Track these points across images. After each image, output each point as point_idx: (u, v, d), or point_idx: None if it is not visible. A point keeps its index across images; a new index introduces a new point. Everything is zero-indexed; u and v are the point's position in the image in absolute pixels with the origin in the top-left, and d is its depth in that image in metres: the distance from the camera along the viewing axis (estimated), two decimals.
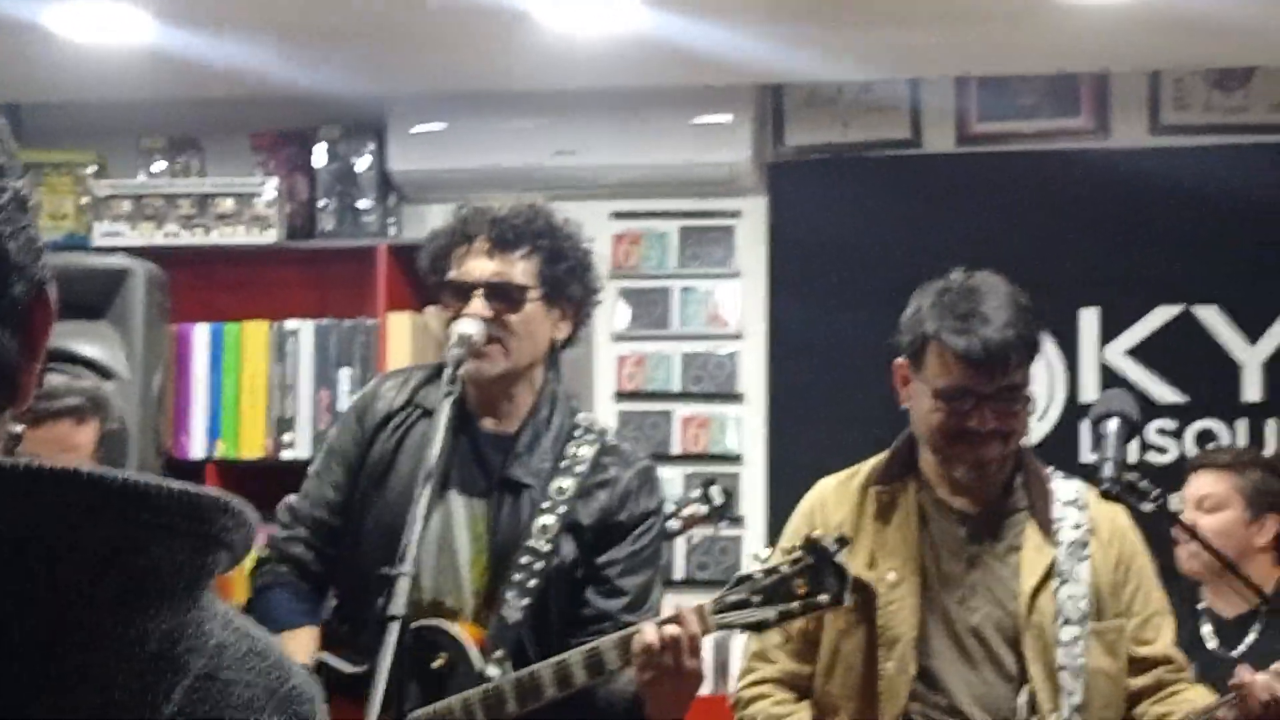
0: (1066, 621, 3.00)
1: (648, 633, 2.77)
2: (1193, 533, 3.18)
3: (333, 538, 3.17)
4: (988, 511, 3.10)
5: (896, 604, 3.03)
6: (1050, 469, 3.19)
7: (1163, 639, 3.13)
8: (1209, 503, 4.14)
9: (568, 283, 3.12)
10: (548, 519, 3.05)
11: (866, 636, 3.05)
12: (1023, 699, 2.41)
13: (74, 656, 0.98)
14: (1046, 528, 3.08)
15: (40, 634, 0.97)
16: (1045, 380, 5.06)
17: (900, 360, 3.13)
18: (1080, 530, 3.08)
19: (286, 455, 5.00)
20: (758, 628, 2.79)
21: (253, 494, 4.14)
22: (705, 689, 4.90)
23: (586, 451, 3.12)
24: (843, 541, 2.76)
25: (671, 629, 2.76)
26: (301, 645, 3.05)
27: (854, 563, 3.07)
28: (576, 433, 3.14)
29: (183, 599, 1.05)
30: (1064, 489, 3.14)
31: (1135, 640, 3.09)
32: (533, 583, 3.00)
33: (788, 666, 3.14)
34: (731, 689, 4.80)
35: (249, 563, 3.36)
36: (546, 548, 3.02)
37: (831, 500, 3.18)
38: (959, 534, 3.09)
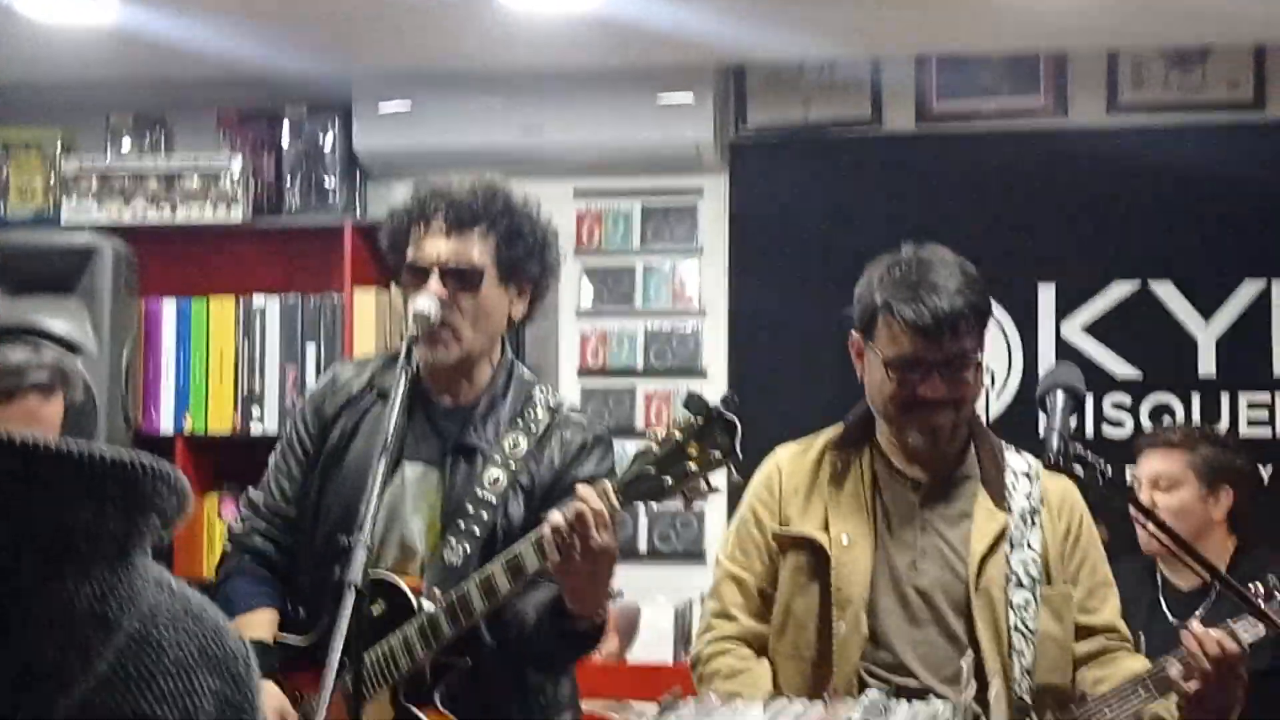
0: (1019, 585, 3.06)
1: (554, 516, 2.80)
2: (1149, 513, 3.23)
3: (290, 529, 3.21)
4: (940, 478, 3.15)
5: (849, 566, 3.08)
6: (1002, 443, 3.23)
7: (1107, 608, 3.19)
8: (1164, 482, 4.20)
9: (525, 262, 3.13)
10: (498, 472, 3.08)
11: (819, 597, 3.10)
12: (966, 662, 2.46)
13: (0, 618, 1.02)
14: (999, 495, 3.13)
15: None
16: (1003, 355, 5.13)
17: (854, 333, 3.18)
18: (1032, 499, 3.14)
19: (255, 430, 5.04)
20: (657, 495, 2.77)
21: (221, 468, 4.22)
22: (667, 658, 4.99)
23: (542, 414, 3.14)
24: (729, 401, 2.77)
25: (576, 506, 2.78)
26: (259, 623, 3.09)
27: (808, 525, 3.14)
28: (535, 396, 3.17)
29: (114, 561, 1.09)
30: (1017, 461, 3.19)
31: (1081, 609, 3.15)
32: (476, 530, 3.03)
33: (747, 625, 3.18)
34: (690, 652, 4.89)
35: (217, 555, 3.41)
36: (494, 500, 3.05)
37: (787, 466, 3.24)
38: (911, 500, 3.14)
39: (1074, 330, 5.12)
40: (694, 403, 2.78)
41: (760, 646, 3.18)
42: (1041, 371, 5.00)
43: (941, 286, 3.03)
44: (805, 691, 2.96)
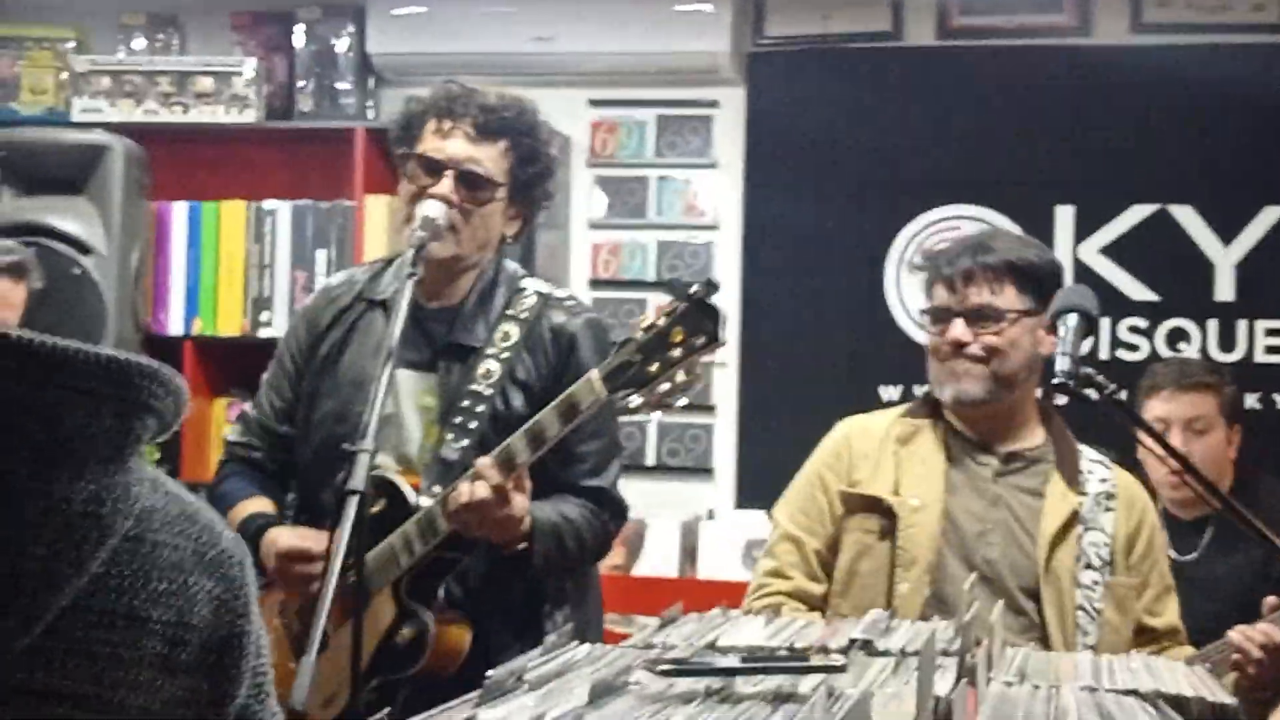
0: (1088, 566, 3.08)
1: (458, 493, 2.85)
2: (1162, 441, 3.21)
3: (281, 443, 3.23)
4: (1013, 456, 3.18)
5: (917, 528, 3.09)
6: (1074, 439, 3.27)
7: (1170, 611, 3.22)
8: (1200, 424, 4.13)
9: (534, 185, 3.14)
10: (491, 364, 3.08)
11: (887, 557, 3.11)
12: (968, 584, 2.45)
13: None
14: (1072, 478, 3.16)
15: None
16: None
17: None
18: (1106, 484, 3.17)
19: (263, 334, 5.03)
20: (642, 382, 2.77)
21: (230, 371, 4.23)
22: (672, 572, 5.00)
23: (531, 301, 3.14)
24: (710, 285, 2.75)
25: (477, 489, 2.83)
26: (254, 505, 3.13)
27: (878, 486, 3.15)
28: (523, 287, 3.17)
29: (109, 462, 1.08)
30: (1089, 452, 3.23)
31: (1148, 611, 3.17)
32: (473, 424, 3.04)
33: (800, 583, 3.18)
34: (701, 574, 4.90)
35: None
36: (489, 392, 3.06)
37: (856, 432, 3.25)
38: (983, 473, 3.16)
39: (1091, 252, 5.08)
40: (676, 289, 2.77)
41: (813, 606, 3.19)
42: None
43: (984, 245, 3.14)
44: None
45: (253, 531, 3.03)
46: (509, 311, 3.13)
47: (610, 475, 3.18)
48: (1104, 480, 3.18)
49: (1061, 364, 2.77)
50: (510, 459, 2.87)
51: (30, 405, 1.04)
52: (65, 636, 1.08)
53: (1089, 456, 3.22)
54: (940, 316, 3.14)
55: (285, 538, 3.05)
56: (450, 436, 3.05)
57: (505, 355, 3.09)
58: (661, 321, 2.74)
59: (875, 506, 3.15)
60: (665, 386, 2.78)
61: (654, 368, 2.75)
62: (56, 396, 1.05)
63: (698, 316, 2.72)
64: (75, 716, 1.08)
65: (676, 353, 2.73)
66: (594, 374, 2.81)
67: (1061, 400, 3.11)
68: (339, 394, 3.11)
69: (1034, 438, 3.22)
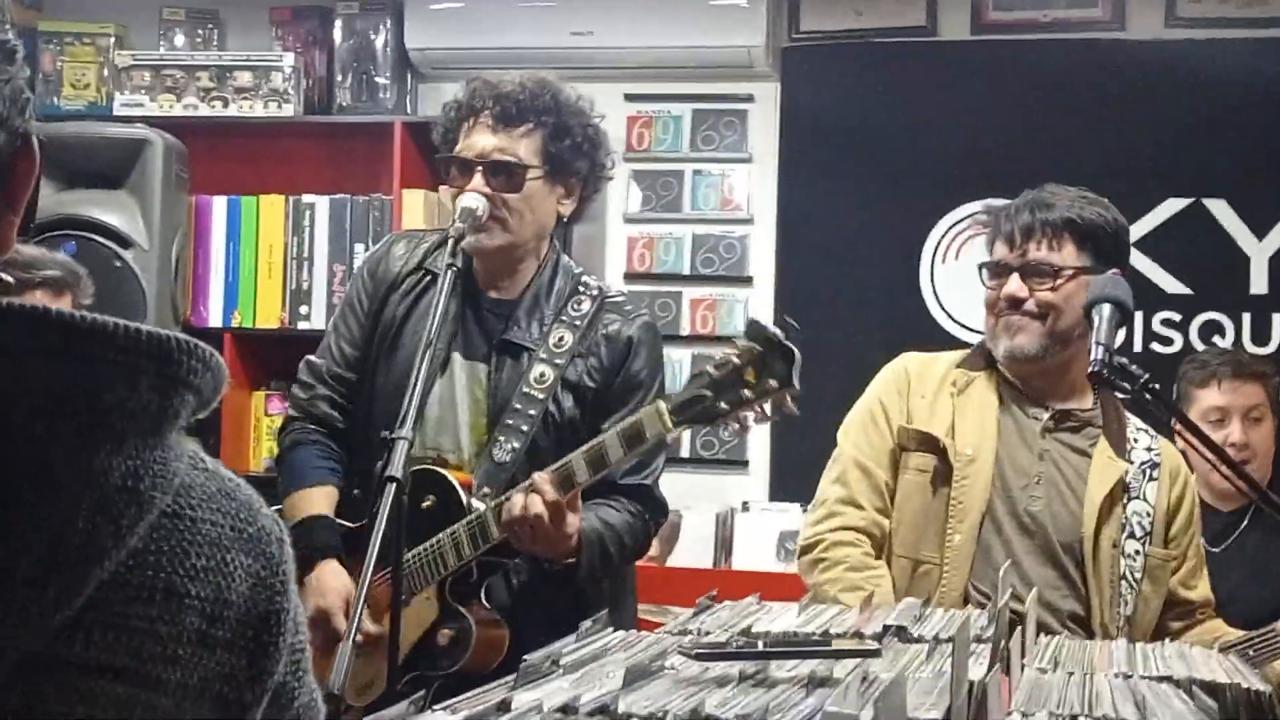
0: (1131, 535, 3.09)
1: (511, 507, 2.88)
2: (1198, 431, 3.20)
3: (351, 392, 3.23)
4: (1063, 414, 3.18)
5: (971, 479, 3.10)
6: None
7: (1203, 583, 3.24)
8: (1257, 412, 4.14)
9: (571, 160, 3.14)
10: (544, 369, 3.10)
11: (940, 502, 3.12)
12: (1004, 569, 2.46)
13: (31, 489, 1.02)
14: (1119, 445, 3.16)
15: None
16: None
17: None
18: (1152, 453, 3.18)
19: (302, 326, 5.07)
20: (709, 419, 2.77)
21: (269, 364, 4.24)
22: (707, 564, 5.02)
23: (586, 305, 3.16)
24: (790, 330, 2.74)
25: (532, 504, 2.85)
26: (319, 499, 3.14)
27: (936, 427, 3.16)
28: (580, 289, 3.18)
29: (148, 437, 1.09)
30: (1135, 420, 3.24)
31: (1183, 584, 3.18)
32: (525, 427, 3.06)
33: (874, 516, 3.17)
34: (736, 565, 4.90)
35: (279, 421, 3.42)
36: (541, 396, 3.08)
37: (916, 370, 3.26)
38: (1033, 427, 3.17)
39: None
40: (754, 330, 2.77)
41: (881, 543, 3.17)
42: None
43: (1045, 201, 3.15)
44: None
45: (307, 549, 3.02)
46: (564, 315, 3.14)
47: (653, 473, 3.19)
48: (1149, 449, 3.19)
49: (1096, 353, 2.78)
50: (569, 477, 2.89)
51: (70, 379, 1.04)
52: (104, 610, 1.08)
53: (1135, 425, 3.23)
54: (998, 271, 3.16)
55: (334, 590, 3.02)
56: (501, 438, 3.07)
57: (559, 361, 3.10)
58: (736, 360, 2.74)
59: (932, 446, 3.15)
60: (733, 425, 2.80)
61: (723, 406, 2.75)
62: (96, 371, 1.05)
63: (773, 360, 2.72)
64: (114, 689, 1.09)
65: (747, 393, 2.73)
66: (662, 405, 2.82)
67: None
68: (397, 373, 3.10)
69: (1084, 400, 3.22)
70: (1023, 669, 2.23)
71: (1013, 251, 3.12)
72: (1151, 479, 3.15)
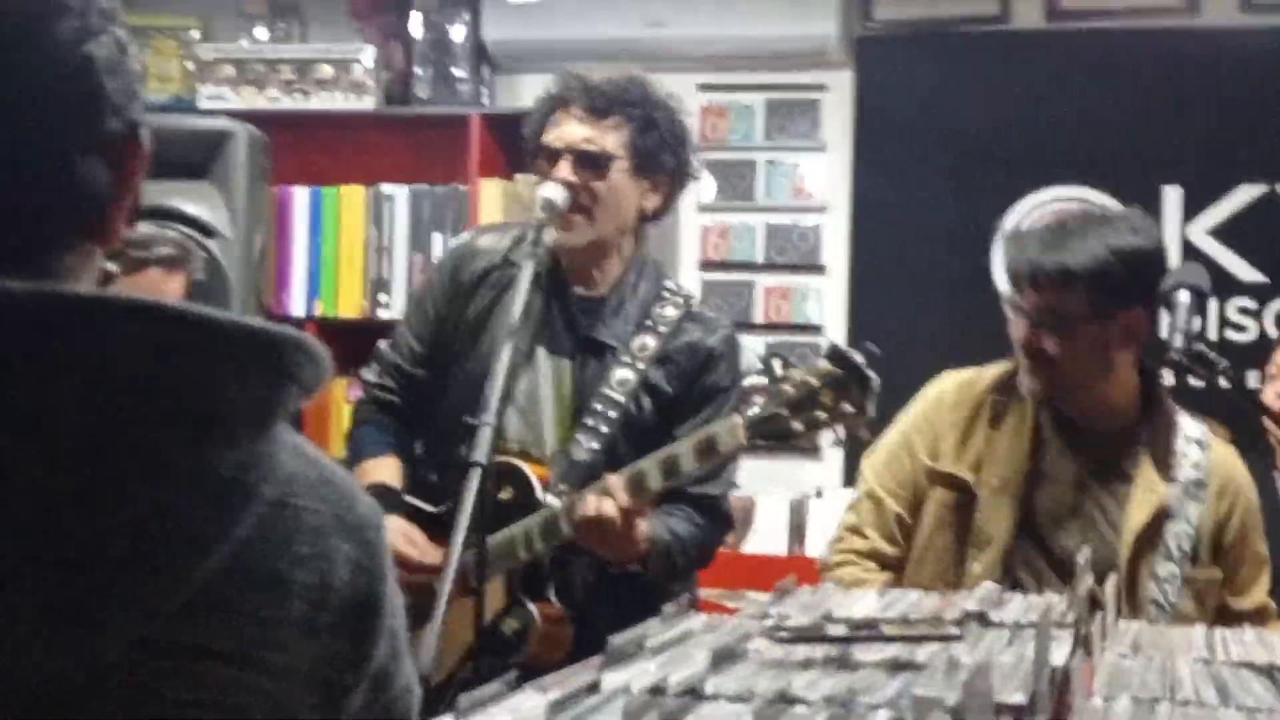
0: (1168, 558, 3.02)
1: (584, 508, 2.90)
2: (1276, 417, 3.17)
3: (414, 385, 3.27)
4: (1103, 437, 3.10)
5: (995, 510, 3.06)
6: (1177, 408, 3.16)
7: (1259, 588, 3.14)
8: None
9: (658, 154, 3.14)
10: (626, 373, 3.11)
11: (960, 534, 3.09)
12: (1083, 556, 2.47)
13: (146, 484, 1.06)
14: (1164, 464, 3.07)
15: (114, 461, 1.05)
16: None
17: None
18: (1199, 471, 3.08)
19: (382, 315, 5.13)
20: (784, 437, 2.79)
21: (350, 352, 4.28)
22: (781, 550, 5.05)
23: (671, 313, 3.17)
24: (871, 355, 2.76)
25: (604, 506, 2.88)
26: (383, 470, 3.18)
27: (960, 464, 3.11)
28: (664, 294, 3.19)
29: (256, 430, 1.12)
30: (1189, 427, 3.13)
31: (1232, 592, 3.11)
32: (604, 429, 3.08)
33: (876, 544, 3.17)
34: (809, 552, 4.93)
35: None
36: (622, 399, 3.10)
37: (951, 396, 3.20)
38: (1069, 455, 3.10)
39: (1199, 233, 5.06)
40: (835, 354, 2.79)
41: (885, 566, 3.18)
42: None
43: (1066, 245, 2.95)
44: None
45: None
46: (649, 321, 3.15)
47: (722, 484, 3.19)
48: (1196, 465, 3.08)
49: (1176, 340, 2.76)
50: (640, 482, 2.91)
51: (185, 374, 1.06)
52: (213, 596, 1.11)
53: (1185, 433, 3.11)
54: (1015, 311, 3.04)
55: (391, 538, 3.07)
56: (581, 436, 3.09)
57: (640, 365, 3.12)
58: (815, 381, 2.76)
59: (954, 483, 3.13)
60: (813, 440, 2.83)
61: (797, 425, 2.78)
62: (207, 366, 1.07)
63: (850, 385, 2.74)
64: (222, 672, 1.12)
65: (822, 415, 2.76)
66: (738, 420, 2.84)
67: (1171, 380, 3.08)
68: (481, 360, 3.09)
69: (1128, 414, 3.11)
70: (1103, 653, 2.25)
71: (1020, 295, 3.00)
72: (1196, 499, 3.06)
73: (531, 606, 3.03)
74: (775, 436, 2.82)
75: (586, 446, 3.08)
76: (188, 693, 1.11)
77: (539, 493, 3.04)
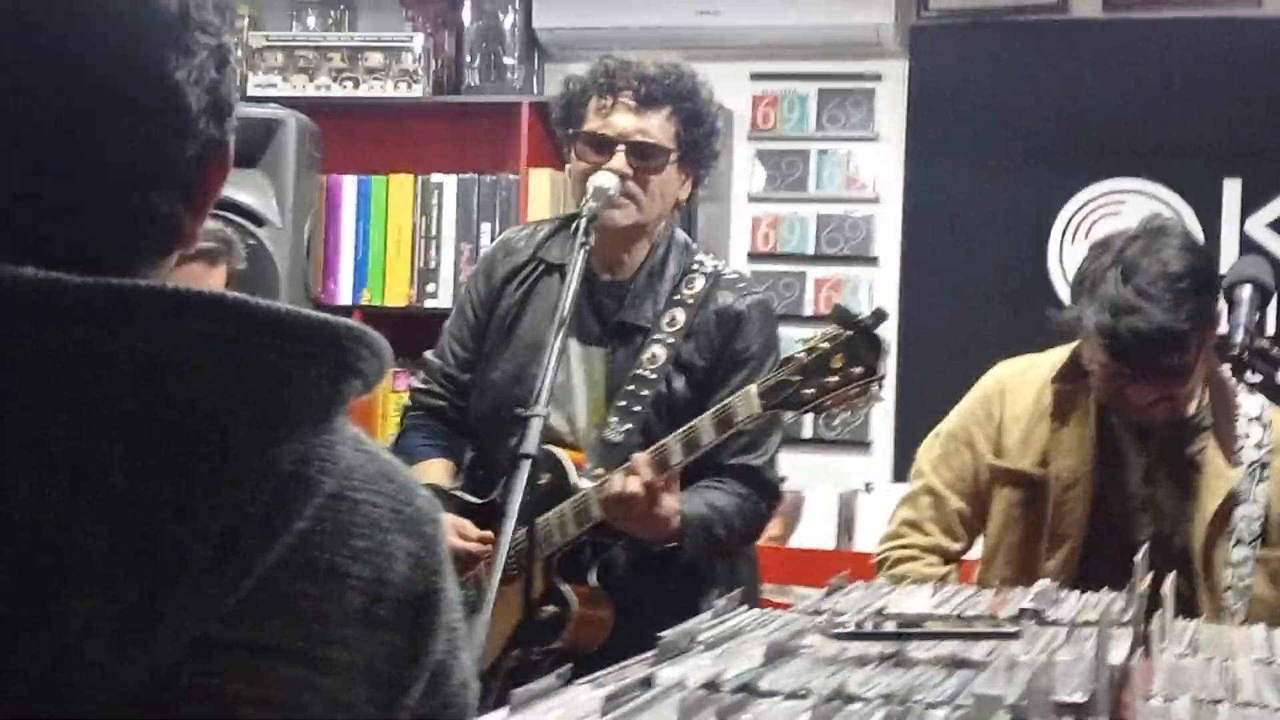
0: (1239, 541, 2.99)
1: (611, 485, 2.89)
2: None
3: (462, 391, 3.28)
4: (1169, 426, 3.04)
5: (1068, 506, 3.04)
6: (1236, 383, 3.09)
7: None
8: None
9: (703, 147, 3.15)
10: (656, 350, 3.10)
11: (1033, 531, 3.06)
12: (1140, 555, 2.43)
13: (209, 477, 1.05)
14: (1229, 448, 3.03)
15: (176, 455, 1.04)
16: None
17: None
18: (1262, 450, 3.04)
19: (430, 304, 5.13)
20: (796, 405, 2.77)
21: (397, 341, 4.29)
22: (829, 544, 5.02)
23: (700, 284, 3.15)
24: (879, 315, 2.74)
25: (630, 483, 2.86)
26: (432, 471, 3.18)
27: (1026, 460, 3.08)
28: (693, 269, 3.17)
29: (317, 423, 1.11)
30: (1249, 404, 3.08)
31: None
32: (637, 409, 3.07)
33: (938, 540, 3.16)
34: (858, 546, 4.90)
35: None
36: (653, 377, 3.08)
37: (1010, 387, 3.15)
38: (1137, 444, 3.06)
39: (1259, 227, 5.00)
40: (841, 315, 2.77)
41: (948, 560, 3.15)
42: (1225, 269, 4.89)
43: (1149, 311, 2.81)
44: None
45: None
46: (677, 295, 3.14)
47: (764, 453, 3.14)
48: (1259, 446, 3.05)
49: (1238, 336, 2.73)
50: (664, 459, 2.91)
51: (248, 368, 1.06)
52: (272, 592, 1.11)
53: (1247, 414, 3.07)
54: (1114, 376, 2.91)
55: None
56: (615, 419, 3.08)
57: (671, 340, 3.10)
58: (824, 346, 2.75)
59: (1023, 480, 3.09)
60: (823, 410, 2.80)
61: (810, 391, 2.76)
62: (273, 360, 1.07)
63: (860, 347, 2.72)
64: (283, 670, 1.12)
65: (833, 380, 2.74)
66: (752, 389, 2.84)
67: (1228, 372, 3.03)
68: (515, 356, 3.15)
69: (1193, 402, 3.07)
70: (1162, 653, 2.21)
71: (1129, 366, 2.88)
72: (1261, 480, 3.02)
73: (569, 591, 3.01)
74: (789, 405, 2.81)
75: (620, 429, 3.07)
76: (250, 689, 1.10)
77: (573, 477, 3.03)
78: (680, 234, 3.25)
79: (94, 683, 1.03)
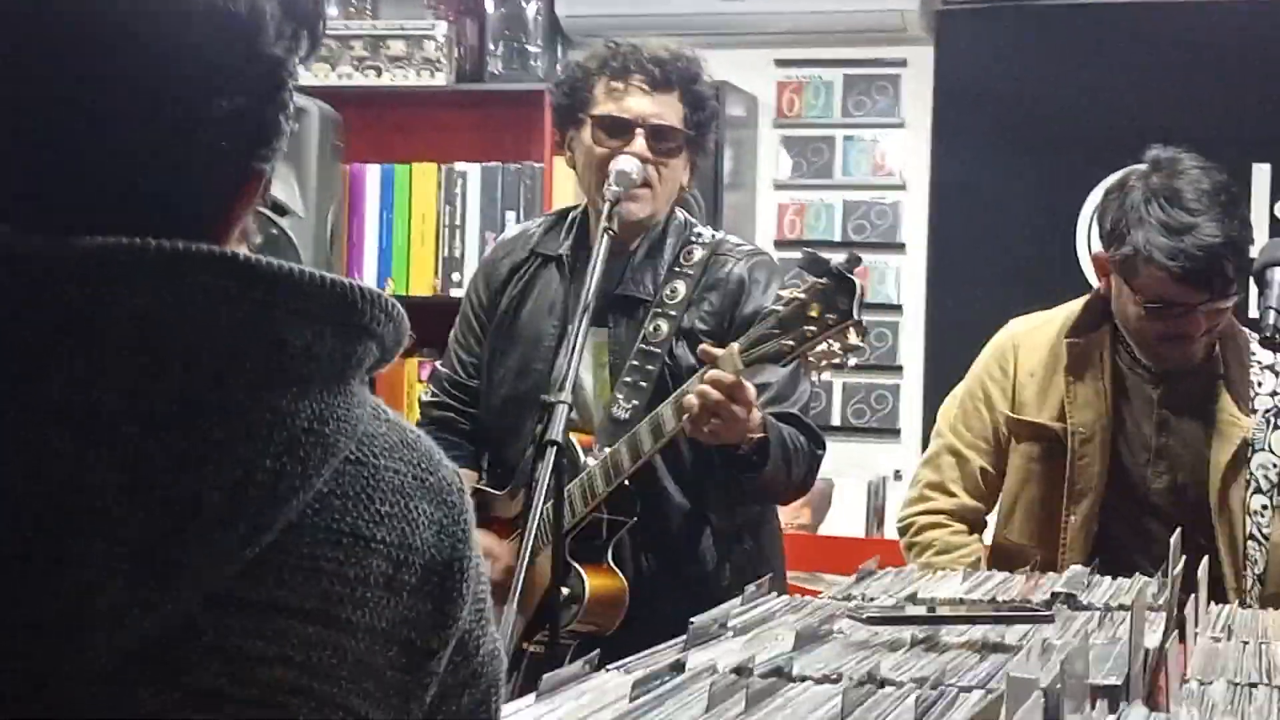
0: (1257, 490, 2.99)
1: (692, 398, 2.82)
2: None
3: (472, 396, 3.28)
4: (1183, 373, 3.06)
5: (1087, 459, 3.04)
6: (1249, 334, 3.11)
7: None
8: None
9: (705, 131, 3.14)
10: (660, 322, 3.08)
11: (1052, 486, 3.06)
12: (1174, 539, 2.41)
13: (215, 427, 1.05)
14: (1243, 396, 3.05)
15: (181, 407, 1.04)
16: None
17: (1101, 252, 3.04)
18: (1277, 398, 3.05)
19: (454, 294, 5.10)
20: (777, 357, 2.75)
21: (422, 331, 4.27)
22: (859, 532, 5.00)
23: (699, 254, 3.13)
24: (853, 260, 2.71)
25: (712, 393, 2.80)
26: None
27: (1044, 413, 3.09)
28: (692, 239, 3.15)
29: (332, 384, 1.11)
30: (1262, 354, 3.09)
31: None
32: (644, 383, 3.04)
33: (964, 501, 3.16)
34: (889, 534, 4.88)
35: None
36: (657, 350, 3.06)
37: (1024, 343, 3.17)
38: (1151, 395, 3.08)
39: None
40: (813, 264, 2.75)
41: (973, 523, 3.16)
42: (1254, 254, 4.86)
43: (1205, 225, 2.88)
44: None
45: None
46: (677, 267, 3.12)
47: (796, 402, 3.08)
48: (1273, 394, 3.06)
49: (1269, 318, 2.72)
50: (659, 428, 2.90)
51: (254, 322, 1.07)
52: (293, 552, 1.11)
53: (1260, 360, 3.09)
54: (1170, 308, 2.95)
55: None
56: (621, 396, 3.06)
57: (673, 312, 3.08)
58: (801, 296, 2.73)
59: (1042, 434, 3.10)
60: (809, 356, 2.77)
61: (789, 342, 2.74)
62: (278, 314, 1.08)
63: (834, 293, 2.70)
64: (304, 629, 1.11)
65: (811, 329, 2.72)
66: (734, 346, 2.82)
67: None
68: (518, 351, 3.15)
69: (1207, 354, 3.09)
70: (1195, 637, 2.20)
71: (1194, 291, 2.91)
72: (1276, 428, 3.03)
73: (583, 572, 3.00)
74: (770, 358, 2.79)
75: (627, 405, 3.05)
76: (268, 648, 1.10)
77: (580, 457, 3.02)
78: (679, 211, 3.22)
79: (110, 629, 1.04)
